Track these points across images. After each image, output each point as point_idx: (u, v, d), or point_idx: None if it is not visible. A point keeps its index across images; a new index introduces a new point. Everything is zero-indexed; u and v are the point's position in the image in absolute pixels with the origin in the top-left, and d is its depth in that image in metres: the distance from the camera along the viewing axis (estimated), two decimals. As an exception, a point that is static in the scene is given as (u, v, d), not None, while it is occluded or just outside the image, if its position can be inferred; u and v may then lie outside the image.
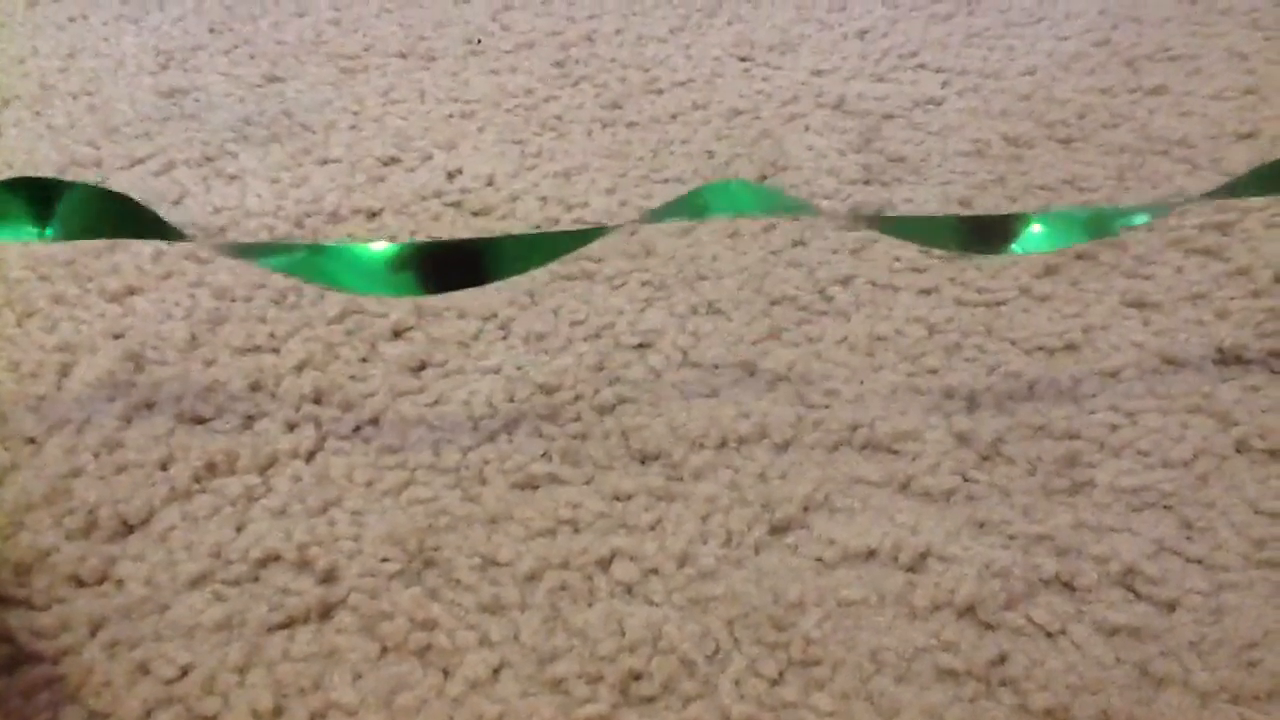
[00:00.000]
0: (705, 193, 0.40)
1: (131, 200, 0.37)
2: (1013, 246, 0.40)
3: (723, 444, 0.38)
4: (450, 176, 0.52)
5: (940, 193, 0.50)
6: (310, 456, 0.38)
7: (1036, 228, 0.40)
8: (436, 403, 0.40)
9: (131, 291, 0.44)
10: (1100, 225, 0.41)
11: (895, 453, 0.38)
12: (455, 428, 0.39)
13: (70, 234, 0.37)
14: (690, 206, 0.39)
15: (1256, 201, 0.49)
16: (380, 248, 0.38)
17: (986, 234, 0.41)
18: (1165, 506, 0.36)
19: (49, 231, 0.36)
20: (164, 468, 0.37)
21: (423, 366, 0.41)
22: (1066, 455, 0.37)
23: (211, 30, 0.64)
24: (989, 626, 0.32)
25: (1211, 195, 0.41)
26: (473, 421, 0.39)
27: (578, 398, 0.40)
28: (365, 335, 0.42)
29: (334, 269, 0.37)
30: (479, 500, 0.36)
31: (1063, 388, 0.40)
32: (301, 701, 0.30)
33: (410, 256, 0.38)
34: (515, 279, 0.42)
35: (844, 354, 0.42)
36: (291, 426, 0.39)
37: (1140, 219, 0.42)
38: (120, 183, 0.51)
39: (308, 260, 0.37)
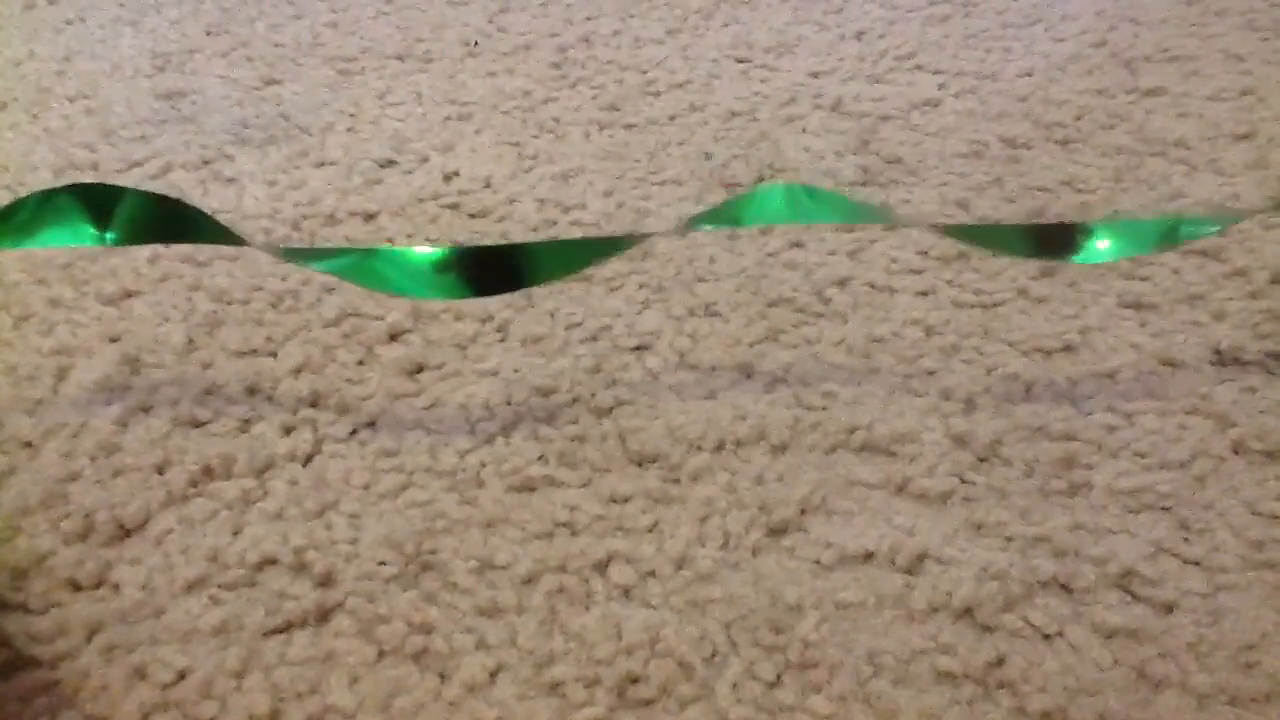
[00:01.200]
0: (766, 197, 0.40)
1: (189, 205, 0.38)
2: (1076, 257, 0.40)
3: (720, 446, 0.38)
4: (447, 179, 0.52)
5: (937, 194, 0.50)
6: (307, 460, 0.38)
7: (1103, 243, 0.40)
8: (433, 405, 0.40)
9: (128, 295, 0.44)
10: (1169, 236, 0.41)
11: (893, 454, 0.38)
12: (452, 430, 0.39)
13: (130, 238, 0.37)
14: (749, 209, 0.40)
15: (1254, 201, 0.49)
16: (427, 251, 0.39)
17: (1053, 242, 0.41)
18: (1163, 508, 0.36)
19: (110, 236, 0.37)
20: (161, 471, 0.37)
21: (420, 369, 0.41)
22: (1064, 457, 0.37)
23: (208, 33, 0.64)
24: (987, 628, 0.32)
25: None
26: (470, 424, 0.39)
27: (575, 400, 0.40)
28: (362, 338, 0.42)
29: (384, 271, 0.38)
30: (476, 503, 0.36)
31: (1060, 389, 0.40)
32: (299, 705, 0.30)
33: (455, 260, 0.39)
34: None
35: (841, 356, 0.42)
36: (288, 430, 0.39)
37: (1209, 229, 0.42)
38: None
39: (358, 264, 0.38)
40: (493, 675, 0.31)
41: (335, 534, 0.35)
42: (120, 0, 0.67)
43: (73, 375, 0.40)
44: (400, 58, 0.62)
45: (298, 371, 0.41)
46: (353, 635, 0.32)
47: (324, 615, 0.33)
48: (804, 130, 0.55)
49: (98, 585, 0.34)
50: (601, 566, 0.34)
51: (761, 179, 0.52)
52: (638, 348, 0.42)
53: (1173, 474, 0.37)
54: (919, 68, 0.61)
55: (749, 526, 0.35)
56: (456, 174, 0.52)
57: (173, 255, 0.46)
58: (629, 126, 0.56)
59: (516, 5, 0.68)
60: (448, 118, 0.57)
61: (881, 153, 0.53)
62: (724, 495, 0.36)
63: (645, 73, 0.61)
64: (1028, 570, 0.34)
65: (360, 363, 0.42)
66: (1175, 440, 0.38)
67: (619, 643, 0.32)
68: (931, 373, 0.41)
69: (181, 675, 0.31)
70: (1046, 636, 0.32)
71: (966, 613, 0.33)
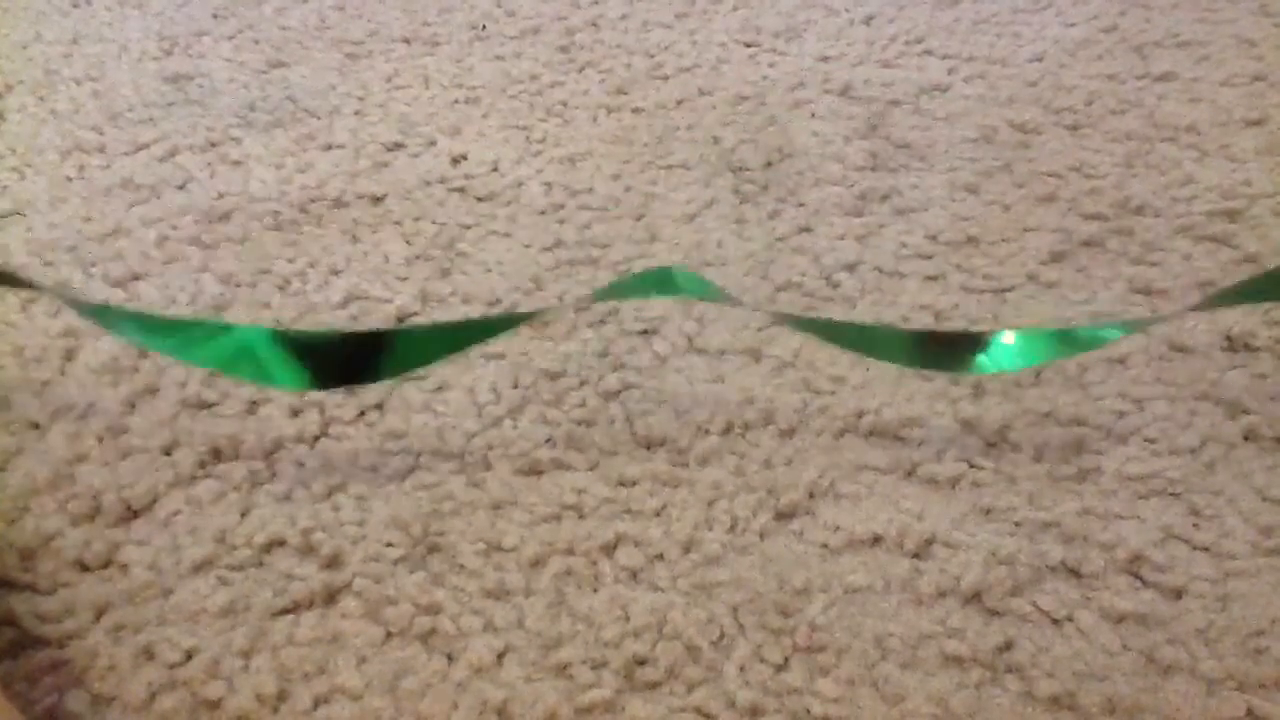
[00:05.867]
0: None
1: None
2: (970, 370, 0.38)
3: (728, 430, 0.38)
4: (455, 162, 0.52)
5: (946, 179, 0.50)
6: (314, 442, 0.38)
7: (1008, 337, 0.38)
8: (441, 388, 0.40)
9: (136, 277, 0.44)
10: (1071, 344, 0.38)
11: (901, 439, 0.38)
12: (460, 413, 0.39)
13: None
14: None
15: (1265, 187, 0.49)
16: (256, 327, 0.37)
17: (942, 354, 0.38)
18: (1172, 494, 0.36)
19: None
20: (168, 453, 0.37)
21: (427, 352, 0.41)
22: (1073, 442, 0.37)
23: (215, 16, 0.64)
24: (995, 613, 0.32)
25: (1199, 307, 0.39)
26: (477, 407, 0.39)
27: (583, 383, 0.40)
28: (369, 321, 0.42)
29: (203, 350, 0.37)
30: (483, 486, 0.36)
31: (1069, 374, 0.40)
32: (306, 686, 0.30)
33: (296, 345, 0.37)
34: (523, 267, 0.42)
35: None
36: (296, 412, 0.39)
37: (1113, 334, 0.39)
38: (124, 168, 0.51)
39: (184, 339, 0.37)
40: (500, 657, 0.31)
41: (343, 516, 0.35)
42: (127, -17, 0.67)
43: (80, 357, 0.40)
44: (407, 41, 0.62)
45: (305, 354, 0.41)
46: (360, 616, 0.32)
47: (331, 596, 0.33)
48: (813, 115, 0.55)
49: (105, 566, 0.34)
50: (609, 549, 0.34)
51: (770, 163, 0.51)
52: (645, 331, 0.42)
53: (1182, 460, 0.37)
54: (928, 52, 0.60)
55: (757, 510, 0.35)
56: (464, 157, 0.52)
57: (179, 238, 0.46)
58: (637, 110, 0.56)
59: (524, -11, 0.68)
60: (455, 101, 0.56)
61: (891, 137, 0.53)
62: (732, 479, 0.36)
63: (653, 57, 0.60)
64: (1036, 555, 0.34)
65: (367, 345, 0.41)
66: (1185, 426, 0.38)
67: (626, 625, 0.32)
68: (940, 357, 0.41)
69: (189, 655, 0.31)
70: (1055, 621, 0.32)
71: (975, 597, 0.33)
